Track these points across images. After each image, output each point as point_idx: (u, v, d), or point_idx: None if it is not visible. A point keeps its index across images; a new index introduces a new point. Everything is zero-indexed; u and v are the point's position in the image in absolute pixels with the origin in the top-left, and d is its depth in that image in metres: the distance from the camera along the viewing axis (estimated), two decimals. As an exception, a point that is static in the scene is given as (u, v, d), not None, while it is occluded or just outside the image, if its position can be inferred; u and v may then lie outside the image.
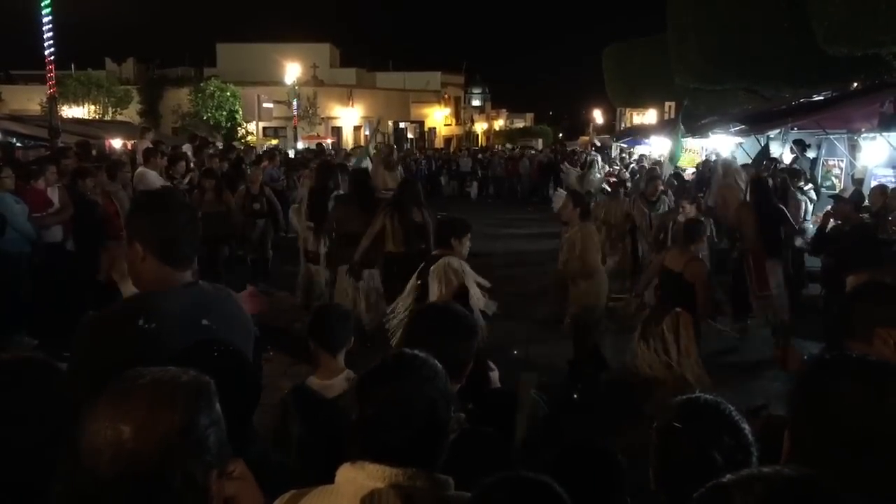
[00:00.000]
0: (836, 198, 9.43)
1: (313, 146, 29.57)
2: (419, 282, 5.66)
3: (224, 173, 12.51)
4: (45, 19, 12.52)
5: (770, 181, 11.72)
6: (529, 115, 77.73)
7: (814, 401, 1.53)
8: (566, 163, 20.89)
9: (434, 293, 5.31)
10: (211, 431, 1.42)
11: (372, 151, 13.16)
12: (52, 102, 13.22)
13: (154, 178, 10.08)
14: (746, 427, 1.89)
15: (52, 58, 12.68)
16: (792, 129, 14.19)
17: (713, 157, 16.47)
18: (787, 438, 1.58)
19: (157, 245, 2.42)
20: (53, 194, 8.46)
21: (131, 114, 35.23)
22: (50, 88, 13.04)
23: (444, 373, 1.86)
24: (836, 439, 1.45)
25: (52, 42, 12.61)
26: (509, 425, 2.69)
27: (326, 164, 11.06)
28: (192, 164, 13.08)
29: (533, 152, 36.02)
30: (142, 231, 2.46)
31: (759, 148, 15.60)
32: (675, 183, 13.06)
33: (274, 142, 32.71)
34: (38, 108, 26.77)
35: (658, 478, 1.93)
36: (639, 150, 25.62)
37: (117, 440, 1.33)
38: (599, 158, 20.13)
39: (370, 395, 1.77)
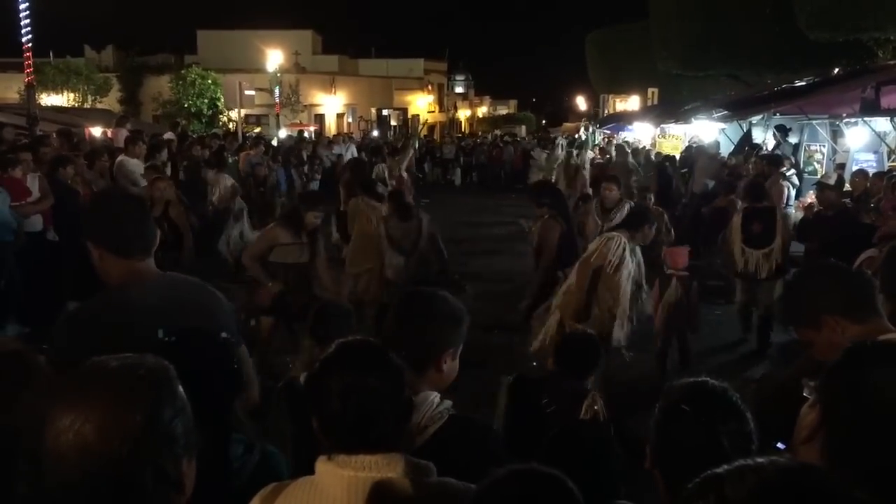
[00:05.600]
0: (820, 184, 9.47)
1: (295, 133, 29.43)
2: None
3: (205, 161, 12.39)
4: (23, 6, 12.34)
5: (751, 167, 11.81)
6: (513, 102, 77.72)
7: (852, 387, 1.51)
8: (537, 149, 20.80)
9: None
10: (177, 421, 1.39)
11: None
12: (30, 90, 13.06)
13: (134, 167, 9.96)
14: (749, 414, 1.89)
15: (29, 45, 12.51)
16: (774, 114, 14.24)
17: (695, 143, 16.52)
18: (814, 419, 1.56)
19: (103, 240, 2.51)
20: (32, 183, 8.34)
21: (111, 102, 34.82)
22: (28, 76, 12.88)
23: (392, 354, 1.89)
24: (876, 427, 1.43)
25: (29, 29, 12.44)
26: None
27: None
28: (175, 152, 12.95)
29: (518, 139, 35.96)
30: (90, 230, 2.57)
31: (741, 134, 15.68)
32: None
33: (257, 129, 32.48)
34: (17, 96, 26.43)
35: (657, 457, 1.92)
36: (622, 136, 25.64)
37: (80, 443, 1.29)
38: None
39: (328, 391, 1.79)
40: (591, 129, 18.01)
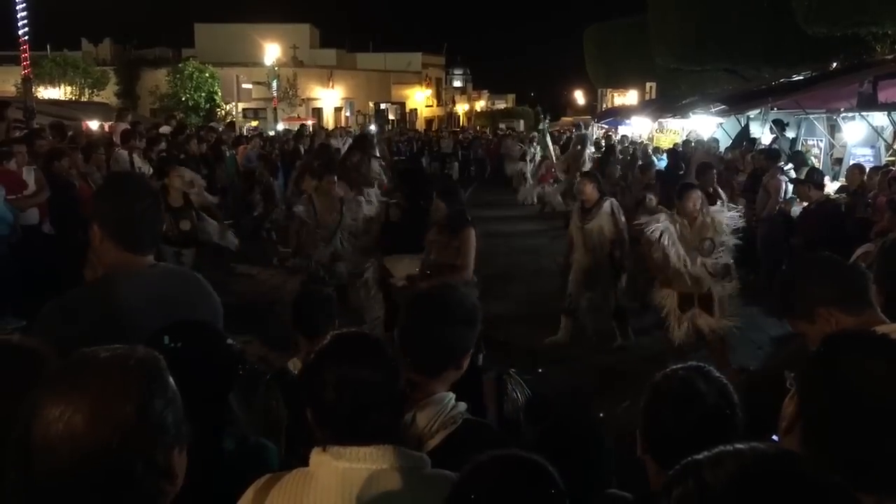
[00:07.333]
0: (794, 181, 9.54)
1: (294, 127, 29.34)
2: None
3: (202, 156, 12.38)
4: (19, -2, 12.33)
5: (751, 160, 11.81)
6: (511, 97, 77.54)
7: (826, 376, 1.52)
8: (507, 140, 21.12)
9: None
10: (168, 412, 1.37)
11: None
12: (27, 83, 13.07)
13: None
14: (739, 402, 1.90)
15: (26, 38, 12.50)
16: (772, 109, 14.22)
17: (693, 138, 16.51)
18: (794, 410, 1.57)
19: (113, 228, 2.43)
20: (28, 176, 8.32)
21: (108, 95, 34.74)
22: (25, 69, 12.87)
23: (388, 345, 1.89)
24: (849, 417, 1.44)
25: (26, 22, 12.42)
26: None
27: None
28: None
29: (514, 133, 35.94)
30: (100, 214, 2.48)
31: (739, 128, 15.68)
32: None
33: (254, 123, 32.46)
34: (14, 89, 26.36)
35: (648, 444, 1.93)
36: (620, 130, 25.63)
37: (70, 433, 1.28)
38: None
39: (323, 382, 1.79)
40: (545, 124, 19.06)
